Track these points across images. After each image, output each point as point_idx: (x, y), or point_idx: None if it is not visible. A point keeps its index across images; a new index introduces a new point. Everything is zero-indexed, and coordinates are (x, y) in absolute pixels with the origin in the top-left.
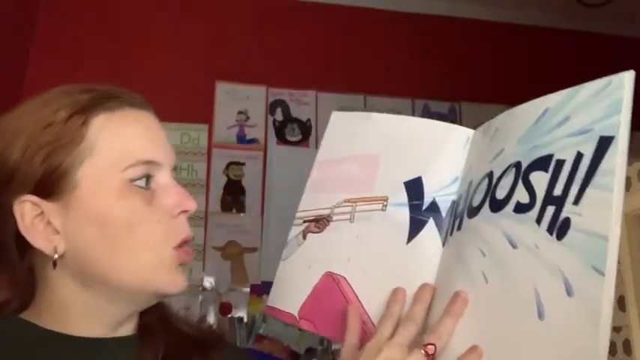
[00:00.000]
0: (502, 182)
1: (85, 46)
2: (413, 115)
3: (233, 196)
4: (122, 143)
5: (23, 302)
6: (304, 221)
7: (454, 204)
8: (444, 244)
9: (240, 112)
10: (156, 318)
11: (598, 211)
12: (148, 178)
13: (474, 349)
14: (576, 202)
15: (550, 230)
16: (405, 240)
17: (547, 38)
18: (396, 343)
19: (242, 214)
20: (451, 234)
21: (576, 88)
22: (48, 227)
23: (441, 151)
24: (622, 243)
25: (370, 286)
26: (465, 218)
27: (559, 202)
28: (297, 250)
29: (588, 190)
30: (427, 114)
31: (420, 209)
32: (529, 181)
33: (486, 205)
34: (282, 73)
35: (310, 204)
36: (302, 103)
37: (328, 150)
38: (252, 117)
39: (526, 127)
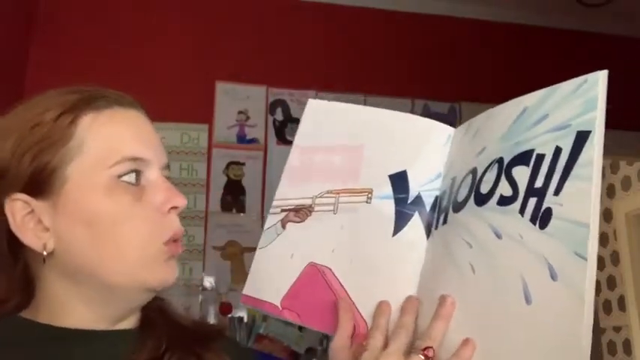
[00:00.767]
0: (485, 177)
1: (85, 46)
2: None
3: (233, 196)
4: (109, 141)
5: (21, 301)
6: (282, 210)
7: (437, 199)
8: (428, 238)
9: (240, 112)
10: (156, 312)
11: (578, 201)
12: (137, 174)
13: (466, 342)
14: (557, 192)
15: (533, 220)
16: (391, 233)
17: (547, 38)
18: (393, 352)
19: (242, 214)
20: (436, 228)
21: (554, 87)
22: (38, 225)
23: (425, 147)
24: (622, 243)
25: (356, 278)
26: (451, 213)
27: (540, 194)
28: (277, 239)
29: (568, 182)
30: (427, 114)
31: (405, 202)
32: (511, 175)
33: (471, 199)
34: (282, 73)
35: (289, 193)
36: (302, 103)
37: (306, 137)
38: (252, 117)
39: (506, 125)
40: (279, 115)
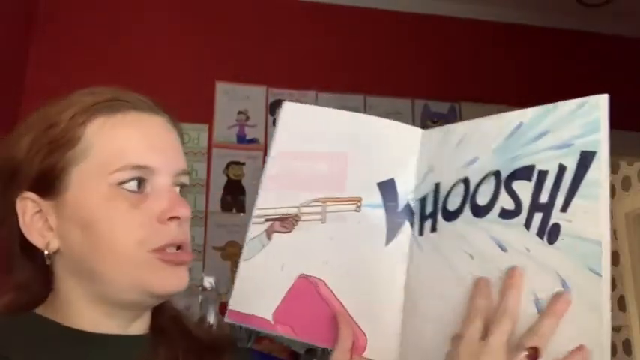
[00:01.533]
0: (481, 189)
1: (85, 46)
2: (413, 115)
3: (233, 196)
4: (114, 146)
5: (33, 298)
6: (267, 219)
7: (420, 203)
8: (412, 244)
9: (240, 112)
10: (168, 319)
11: (587, 218)
12: (140, 182)
13: (580, 348)
14: (564, 209)
15: (540, 235)
16: (384, 242)
17: (547, 38)
18: (495, 348)
19: (242, 214)
20: (421, 234)
21: (550, 106)
22: (45, 224)
23: (410, 154)
24: (622, 243)
25: (352, 290)
26: (441, 221)
27: (546, 209)
28: (262, 250)
29: (575, 200)
30: (427, 114)
31: (395, 211)
32: (512, 189)
33: (467, 210)
34: (282, 73)
35: (271, 201)
36: (302, 103)
37: (284, 142)
38: (252, 117)
39: (500, 138)
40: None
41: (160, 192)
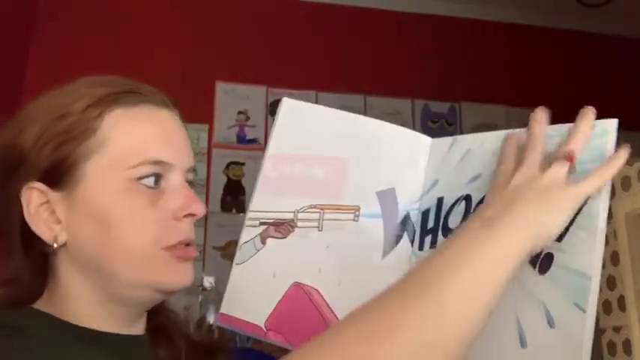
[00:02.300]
0: None
1: (85, 46)
2: (413, 115)
3: (233, 196)
4: (131, 140)
5: (32, 292)
6: (261, 223)
7: (422, 217)
8: (412, 259)
9: (240, 112)
10: (166, 320)
11: (581, 251)
12: (157, 177)
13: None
14: (559, 239)
15: (533, 263)
16: (381, 254)
17: (547, 38)
18: (530, 165)
19: (242, 214)
20: (421, 249)
21: (553, 132)
22: (52, 216)
23: (415, 163)
24: (622, 243)
25: (345, 301)
26: (441, 238)
27: None
28: (256, 255)
29: (572, 230)
30: (427, 114)
31: (394, 222)
32: None
33: None
34: (282, 73)
35: (266, 205)
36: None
37: (282, 142)
38: (252, 117)
39: None
40: None
41: (174, 188)
